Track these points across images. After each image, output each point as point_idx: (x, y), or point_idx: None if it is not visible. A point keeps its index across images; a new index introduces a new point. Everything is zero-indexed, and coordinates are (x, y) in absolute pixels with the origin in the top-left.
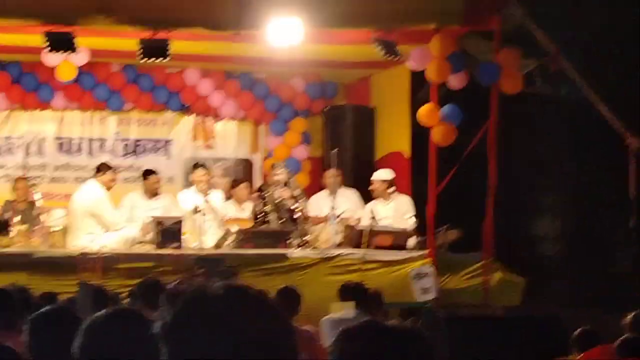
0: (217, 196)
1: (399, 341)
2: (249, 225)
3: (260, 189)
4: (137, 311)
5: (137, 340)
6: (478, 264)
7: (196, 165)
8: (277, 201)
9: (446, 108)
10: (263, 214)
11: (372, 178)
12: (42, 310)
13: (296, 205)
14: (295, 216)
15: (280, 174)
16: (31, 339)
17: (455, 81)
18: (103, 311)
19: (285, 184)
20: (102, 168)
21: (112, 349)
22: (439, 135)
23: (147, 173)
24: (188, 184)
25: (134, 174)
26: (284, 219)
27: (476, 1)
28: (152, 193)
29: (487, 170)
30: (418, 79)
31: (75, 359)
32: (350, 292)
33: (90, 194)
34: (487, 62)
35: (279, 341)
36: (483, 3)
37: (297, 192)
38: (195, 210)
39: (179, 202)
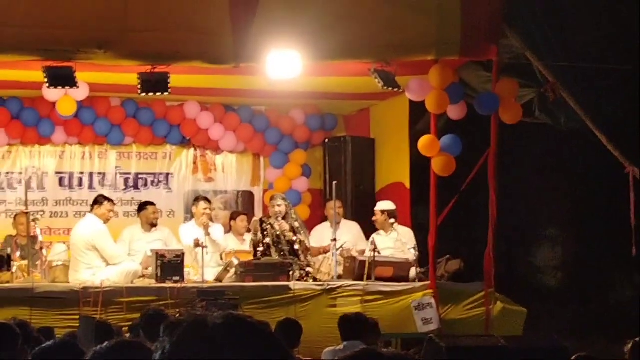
0: (218, 229)
1: None
2: (249, 257)
3: (260, 221)
4: (139, 342)
5: None
6: (480, 294)
7: (199, 199)
8: (277, 233)
9: (446, 138)
10: (264, 246)
11: (375, 209)
12: (45, 344)
13: (296, 237)
14: (295, 247)
15: (280, 206)
16: None
17: (455, 112)
18: (106, 343)
19: (285, 216)
20: (98, 200)
21: None
22: (439, 166)
23: (144, 205)
24: (189, 217)
25: (135, 208)
26: (284, 252)
27: (473, 32)
28: (151, 224)
29: (488, 199)
30: (417, 110)
31: None
32: (349, 323)
33: (89, 228)
34: (486, 92)
35: None
36: (480, 34)
37: (297, 224)
38: (197, 244)
39: (180, 235)
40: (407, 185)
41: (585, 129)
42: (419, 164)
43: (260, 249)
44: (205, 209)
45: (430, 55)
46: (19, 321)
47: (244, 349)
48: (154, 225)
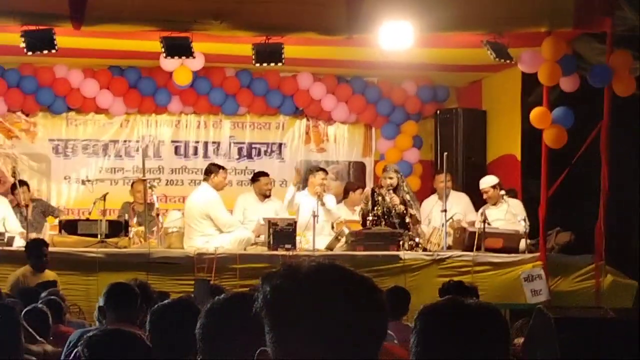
0: (330, 199)
1: (477, 316)
2: (360, 227)
3: (372, 192)
4: (254, 295)
5: (254, 320)
6: (589, 267)
7: (317, 169)
8: (387, 206)
9: (558, 111)
10: (374, 217)
11: (481, 187)
12: (164, 302)
13: (407, 210)
14: (406, 220)
15: (392, 178)
16: (153, 329)
17: (567, 84)
18: (223, 295)
19: (396, 188)
20: (212, 169)
21: (231, 329)
22: (550, 138)
23: (258, 175)
24: (300, 186)
25: (248, 177)
26: (395, 224)
27: (588, 3)
28: (264, 195)
29: (600, 172)
30: (529, 82)
31: (198, 339)
32: (450, 290)
33: (204, 197)
34: (599, 64)
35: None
36: (594, 5)
37: (408, 197)
38: (313, 215)
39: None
40: (519, 157)
41: None
42: (531, 136)
43: (370, 218)
44: (323, 179)
45: (543, 26)
46: (139, 282)
47: (336, 292)
48: (266, 196)
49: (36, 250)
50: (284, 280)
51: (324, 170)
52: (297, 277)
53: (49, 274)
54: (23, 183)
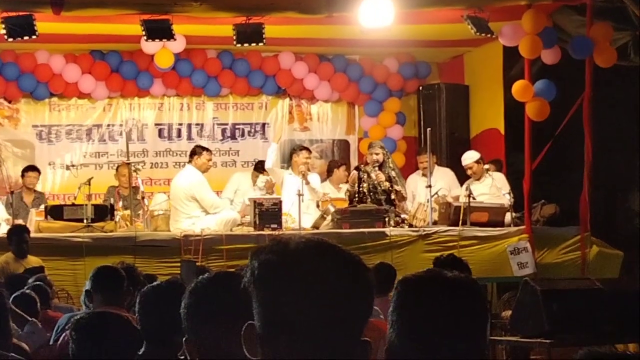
0: (315, 177)
1: (455, 288)
2: (345, 205)
3: (357, 169)
4: (238, 273)
5: (238, 297)
6: (575, 238)
7: (300, 148)
8: (373, 183)
9: (540, 83)
10: (360, 194)
11: (464, 164)
12: (152, 284)
13: (392, 186)
14: (392, 197)
15: (377, 154)
16: (141, 311)
17: (548, 56)
18: (206, 274)
19: (382, 164)
20: (196, 151)
21: (215, 307)
22: (533, 111)
23: (263, 168)
24: (285, 165)
25: (233, 158)
26: (380, 200)
27: None
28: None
29: (583, 144)
30: (511, 55)
31: (183, 318)
32: (444, 264)
33: (189, 178)
34: (579, 36)
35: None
36: None
37: (393, 173)
38: (298, 194)
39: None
40: (502, 131)
41: None
42: (514, 110)
43: (356, 197)
44: (307, 158)
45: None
46: (125, 265)
47: (324, 268)
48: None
49: (17, 237)
50: (273, 254)
51: (307, 149)
52: (285, 252)
53: (32, 260)
54: (34, 168)
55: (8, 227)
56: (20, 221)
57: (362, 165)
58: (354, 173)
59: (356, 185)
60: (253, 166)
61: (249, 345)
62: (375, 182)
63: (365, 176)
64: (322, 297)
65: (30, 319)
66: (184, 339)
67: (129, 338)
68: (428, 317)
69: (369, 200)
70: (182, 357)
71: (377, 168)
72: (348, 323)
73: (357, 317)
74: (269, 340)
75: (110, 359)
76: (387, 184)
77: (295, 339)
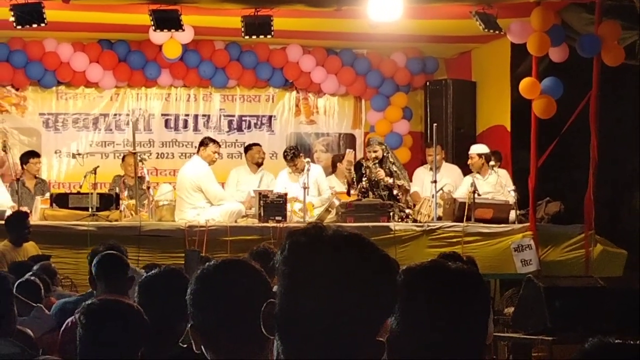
0: (318, 170)
1: (458, 279)
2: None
3: (359, 164)
4: (244, 261)
5: (244, 285)
6: (579, 236)
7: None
8: (373, 179)
9: (547, 81)
10: (362, 189)
11: (469, 152)
12: (153, 272)
13: (394, 181)
14: (394, 192)
15: (376, 151)
16: (141, 298)
17: (556, 54)
18: (213, 261)
19: (382, 160)
20: (204, 142)
21: (222, 294)
22: (540, 108)
23: (250, 145)
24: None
25: (239, 150)
26: (382, 196)
27: None
28: (256, 164)
29: (589, 142)
30: (519, 52)
31: (189, 305)
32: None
33: (195, 169)
34: (587, 34)
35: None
36: None
37: (394, 168)
38: (303, 187)
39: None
40: (508, 127)
41: None
42: (520, 107)
43: (353, 192)
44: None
45: None
46: (109, 245)
47: (355, 260)
48: (259, 164)
49: (19, 224)
50: (308, 237)
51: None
52: (320, 238)
53: (29, 247)
54: (36, 154)
55: None
56: (25, 208)
57: (364, 161)
58: (350, 154)
59: (353, 170)
60: (244, 152)
61: (267, 323)
62: (375, 179)
63: (367, 171)
64: (347, 290)
65: (35, 304)
66: (189, 325)
67: (138, 327)
68: (430, 307)
69: (371, 195)
70: (185, 345)
71: (377, 164)
72: (366, 322)
73: (376, 317)
74: (284, 326)
75: (117, 346)
76: (389, 179)
77: (310, 330)
